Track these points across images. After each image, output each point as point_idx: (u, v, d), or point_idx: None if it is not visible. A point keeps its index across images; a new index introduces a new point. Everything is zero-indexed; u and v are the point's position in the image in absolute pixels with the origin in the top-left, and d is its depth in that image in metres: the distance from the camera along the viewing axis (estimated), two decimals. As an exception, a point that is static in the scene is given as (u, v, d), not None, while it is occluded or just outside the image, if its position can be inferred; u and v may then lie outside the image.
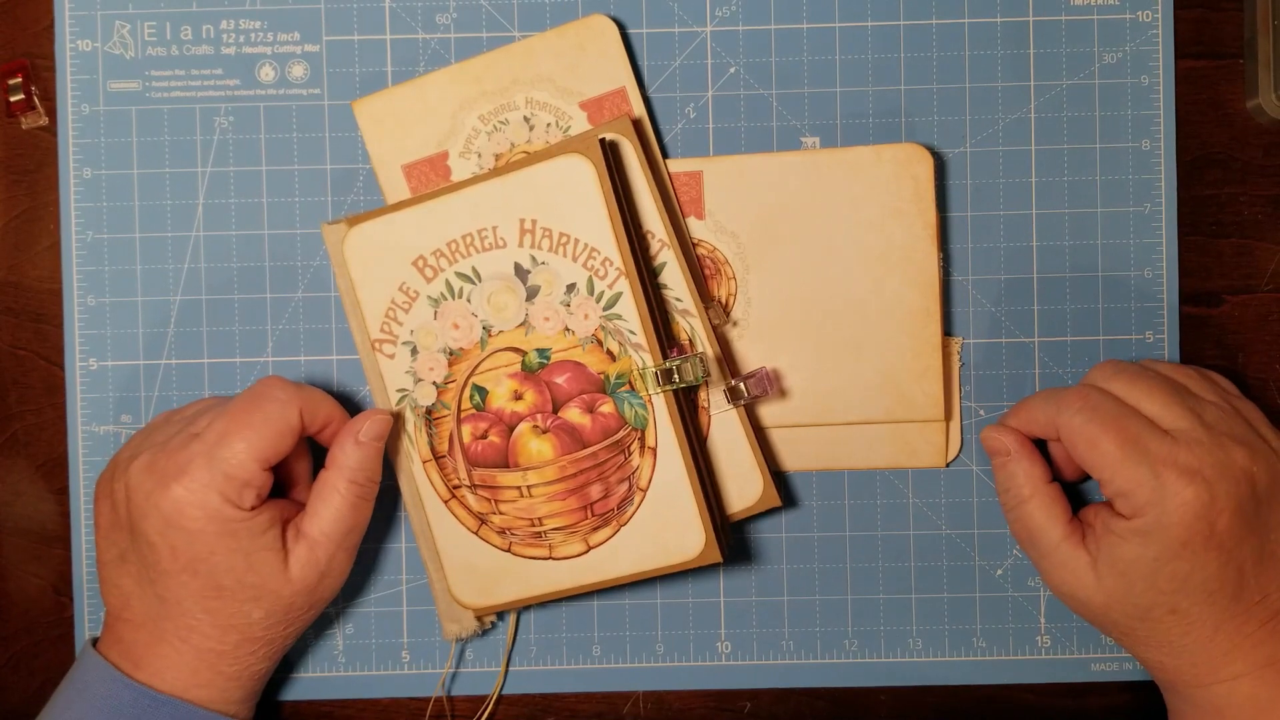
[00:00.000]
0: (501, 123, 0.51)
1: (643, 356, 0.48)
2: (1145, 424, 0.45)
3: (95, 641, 0.48)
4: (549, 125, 0.51)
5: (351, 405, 0.52)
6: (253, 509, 0.46)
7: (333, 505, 0.47)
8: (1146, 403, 0.45)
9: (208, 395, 0.52)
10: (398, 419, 0.51)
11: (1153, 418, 0.45)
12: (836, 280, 0.51)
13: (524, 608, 0.52)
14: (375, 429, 0.48)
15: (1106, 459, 0.44)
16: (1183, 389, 0.47)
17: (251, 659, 0.47)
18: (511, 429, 0.49)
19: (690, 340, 0.50)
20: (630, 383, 0.49)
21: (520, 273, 0.49)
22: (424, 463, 0.51)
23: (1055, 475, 0.49)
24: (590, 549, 0.50)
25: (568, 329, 0.49)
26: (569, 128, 0.51)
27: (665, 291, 0.50)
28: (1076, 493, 0.52)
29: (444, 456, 0.50)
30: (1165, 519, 0.43)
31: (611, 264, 0.48)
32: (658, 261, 0.50)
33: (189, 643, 0.46)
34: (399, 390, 0.51)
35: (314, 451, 0.51)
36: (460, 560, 0.51)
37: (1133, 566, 0.44)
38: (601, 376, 0.49)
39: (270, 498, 0.47)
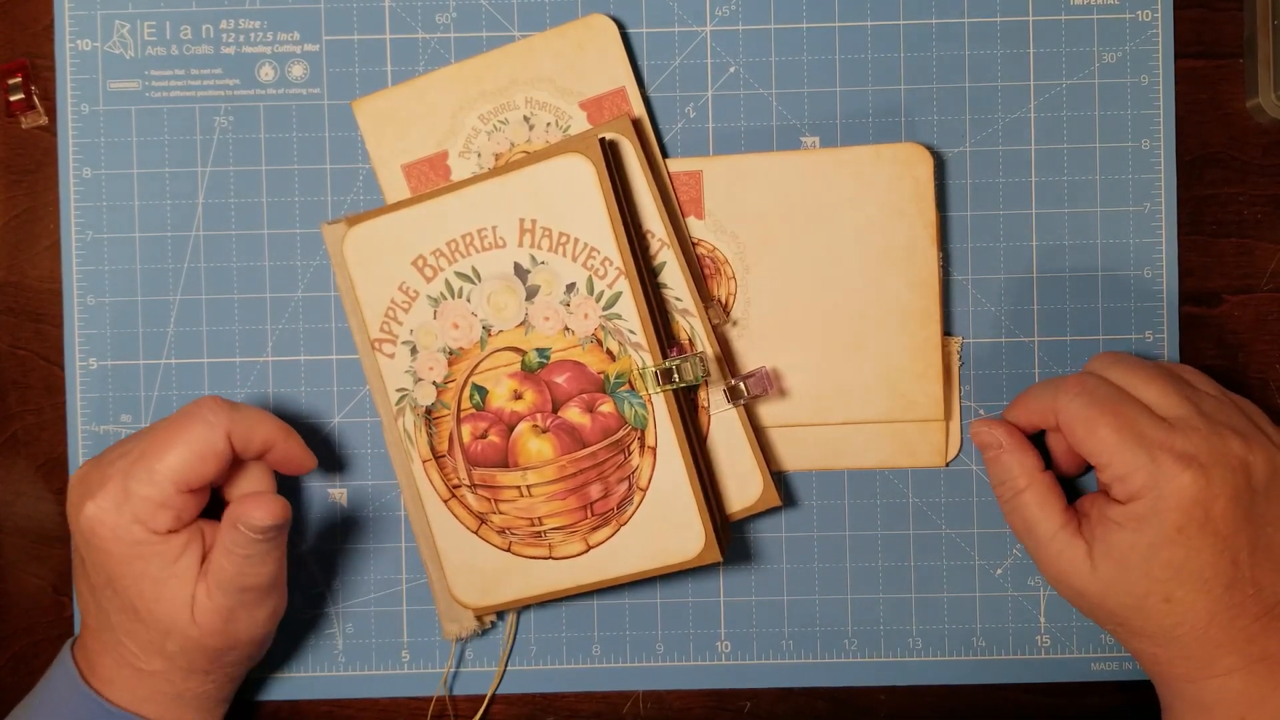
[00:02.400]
0: (501, 122, 0.51)
1: (642, 356, 0.48)
2: (1143, 410, 0.45)
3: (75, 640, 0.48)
4: (549, 125, 0.51)
5: (349, 406, 0.53)
6: (170, 532, 0.44)
7: (221, 560, 0.44)
8: (1144, 390, 0.46)
9: (206, 395, 0.52)
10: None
11: (1150, 404, 0.45)
12: (836, 280, 0.51)
13: (524, 607, 0.52)
14: (257, 523, 0.43)
15: (1104, 444, 0.44)
16: (1180, 379, 0.47)
17: (188, 684, 0.46)
18: (511, 429, 0.49)
19: (690, 340, 0.50)
20: (630, 382, 0.49)
21: (520, 272, 0.49)
22: (424, 462, 0.51)
23: (1056, 472, 0.49)
24: (590, 549, 0.50)
25: (567, 329, 0.49)
26: (569, 127, 0.51)
27: (665, 291, 0.50)
28: (1073, 485, 0.52)
29: (444, 456, 0.50)
30: (1161, 504, 0.43)
31: (611, 263, 0.48)
32: (657, 261, 0.50)
33: (123, 659, 0.45)
34: (399, 390, 0.51)
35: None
36: (460, 560, 0.51)
37: (1128, 553, 0.44)
38: (601, 376, 0.49)
39: (208, 519, 0.46)
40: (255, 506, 0.44)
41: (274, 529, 0.44)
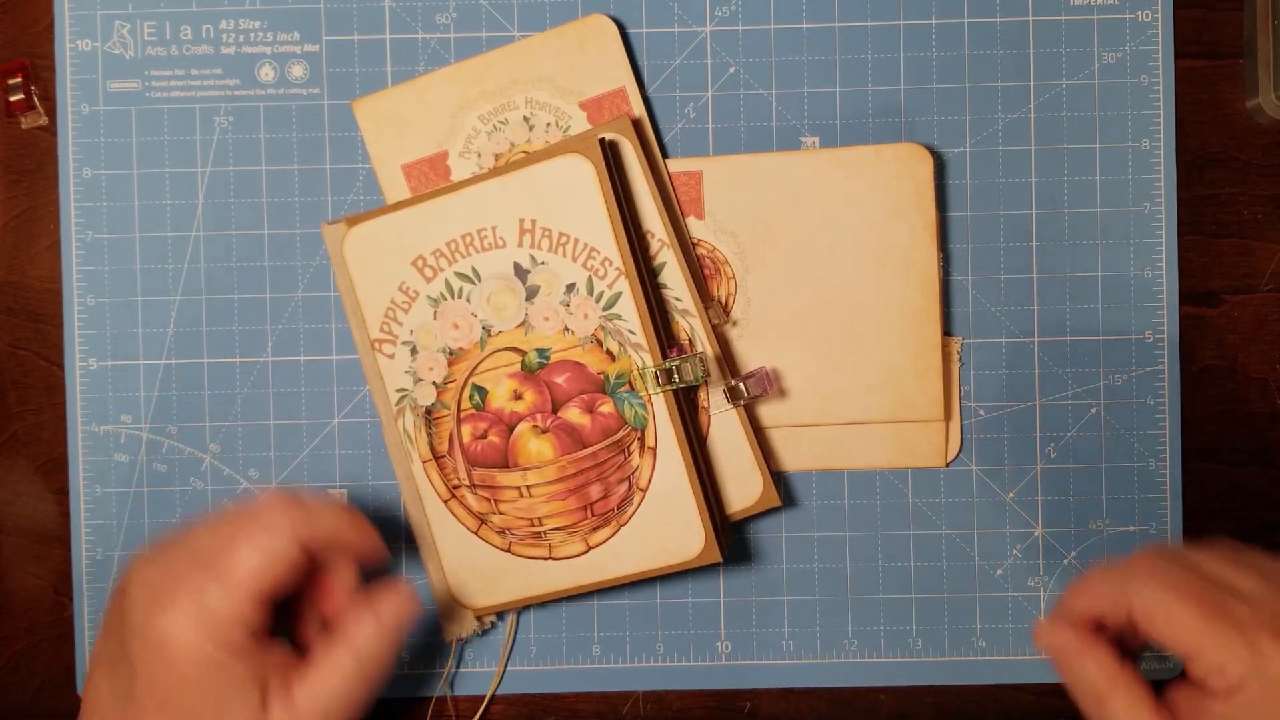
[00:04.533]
0: (501, 123, 0.51)
1: (642, 356, 0.48)
2: (1222, 588, 0.41)
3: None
4: (549, 125, 0.51)
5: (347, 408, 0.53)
6: (242, 650, 0.41)
7: (330, 682, 0.42)
8: (1209, 564, 0.42)
9: (207, 396, 0.52)
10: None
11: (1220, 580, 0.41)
12: (836, 280, 0.51)
13: (524, 608, 0.53)
14: (399, 612, 0.43)
15: (1191, 632, 0.40)
16: (1230, 546, 0.43)
17: None
18: (511, 429, 0.49)
19: (690, 340, 0.50)
20: (630, 382, 0.49)
21: (520, 272, 0.49)
22: (424, 463, 0.51)
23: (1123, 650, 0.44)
24: (590, 549, 0.50)
25: (567, 329, 0.49)
26: (569, 127, 0.51)
27: (665, 291, 0.50)
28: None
29: (444, 456, 0.50)
30: (1271, 690, 0.38)
31: (611, 264, 0.48)
32: (657, 261, 0.50)
33: None
34: (398, 390, 0.51)
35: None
36: (460, 560, 0.51)
37: None
38: (601, 376, 0.49)
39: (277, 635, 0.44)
40: (388, 595, 0.43)
41: (411, 616, 0.44)
